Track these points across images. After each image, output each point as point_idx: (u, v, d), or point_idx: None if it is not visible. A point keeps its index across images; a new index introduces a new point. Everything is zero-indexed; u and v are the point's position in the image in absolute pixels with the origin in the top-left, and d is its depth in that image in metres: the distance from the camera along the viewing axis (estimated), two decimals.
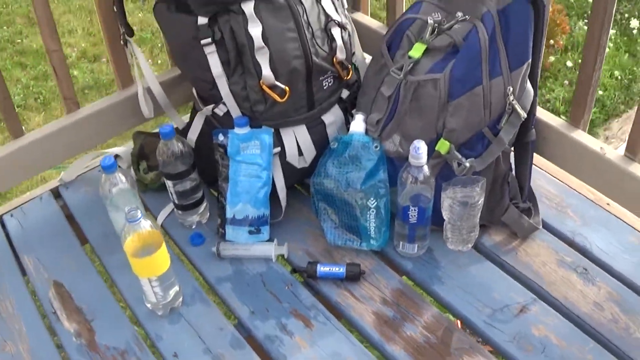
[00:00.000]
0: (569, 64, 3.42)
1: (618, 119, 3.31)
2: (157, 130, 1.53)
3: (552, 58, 3.41)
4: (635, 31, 3.63)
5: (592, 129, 3.32)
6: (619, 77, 3.37)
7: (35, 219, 1.47)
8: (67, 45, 4.04)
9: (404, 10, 1.41)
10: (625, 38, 3.68)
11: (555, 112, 3.18)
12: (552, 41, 3.37)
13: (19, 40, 4.10)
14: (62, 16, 4.31)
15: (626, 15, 3.80)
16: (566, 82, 3.34)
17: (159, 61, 3.76)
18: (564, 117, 3.19)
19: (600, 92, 3.38)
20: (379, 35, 1.62)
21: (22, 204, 1.51)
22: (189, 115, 1.52)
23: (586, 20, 3.72)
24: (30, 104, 3.59)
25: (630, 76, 3.42)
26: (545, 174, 1.49)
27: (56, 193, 1.53)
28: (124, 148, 1.53)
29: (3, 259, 1.39)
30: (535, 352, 1.15)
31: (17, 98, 3.60)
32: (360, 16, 1.71)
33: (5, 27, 4.19)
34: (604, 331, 1.18)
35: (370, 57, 1.45)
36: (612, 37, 3.73)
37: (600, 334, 1.18)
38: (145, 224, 1.11)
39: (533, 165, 1.40)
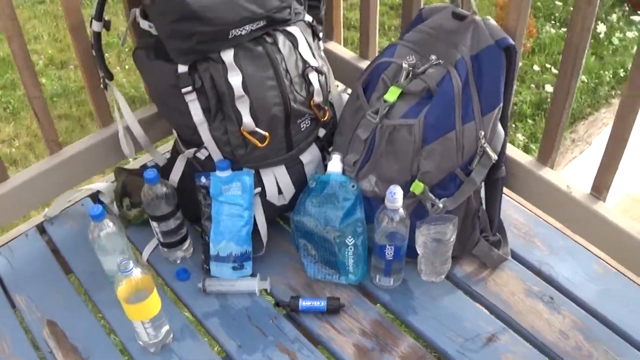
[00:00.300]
0: (536, 67, 3.53)
1: (584, 122, 3.43)
2: (138, 167, 1.60)
3: (520, 63, 3.52)
4: (602, 35, 3.76)
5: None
6: (586, 81, 3.49)
7: (22, 256, 1.52)
8: (34, 52, 4.03)
9: (379, 51, 1.49)
10: (592, 41, 3.81)
11: (522, 114, 3.29)
12: None
13: None
14: (27, 22, 4.29)
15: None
16: (533, 85, 3.45)
17: (127, 66, 3.79)
18: (530, 121, 3.33)
19: None
20: (352, 65, 1.71)
21: (9, 241, 1.56)
22: (167, 148, 1.59)
23: (553, 22, 3.84)
24: (0, 114, 3.58)
25: (596, 80, 3.54)
26: (514, 203, 1.58)
27: (41, 229, 1.58)
28: (106, 184, 1.59)
29: None
30: None
31: None
32: (333, 45, 1.79)
33: None
34: (568, 359, 1.28)
35: (344, 88, 1.53)
36: None
37: None
38: (137, 272, 1.17)
39: (503, 194, 1.50)
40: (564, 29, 3.71)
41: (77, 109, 3.60)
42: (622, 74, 3.62)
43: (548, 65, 3.60)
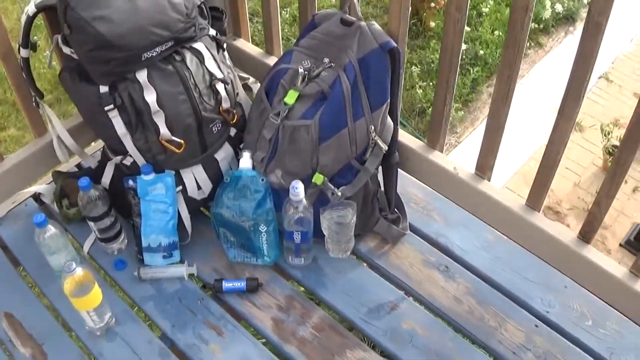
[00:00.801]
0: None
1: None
2: (73, 168, 1.80)
3: (432, 24, 3.75)
4: None
5: (475, 87, 3.72)
6: (500, 35, 3.74)
7: None
8: None
9: (282, 50, 1.69)
10: None
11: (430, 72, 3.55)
12: (432, 3, 3.69)
13: None
14: None
15: None
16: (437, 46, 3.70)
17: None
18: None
19: (482, 51, 3.76)
20: (260, 61, 1.92)
21: None
22: (97, 147, 1.80)
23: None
24: None
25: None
26: (413, 180, 1.82)
27: None
28: (45, 186, 1.79)
29: None
30: (404, 343, 1.50)
31: None
32: (242, 43, 2.00)
33: None
34: (462, 321, 1.53)
35: (254, 80, 1.74)
36: None
37: (458, 323, 1.53)
38: (79, 270, 1.39)
39: (403, 172, 1.74)
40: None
41: (12, 93, 3.70)
42: (536, 27, 3.88)
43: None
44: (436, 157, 1.68)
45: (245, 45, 2.01)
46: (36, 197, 1.82)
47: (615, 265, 1.51)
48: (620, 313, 1.53)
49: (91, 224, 1.62)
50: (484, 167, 1.61)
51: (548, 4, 3.98)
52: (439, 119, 1.64)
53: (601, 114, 3.58)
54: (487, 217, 1.67)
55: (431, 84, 3.68)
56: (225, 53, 1.64)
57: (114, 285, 1.67)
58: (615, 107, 3.62)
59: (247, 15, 1.97)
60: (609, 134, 3.30)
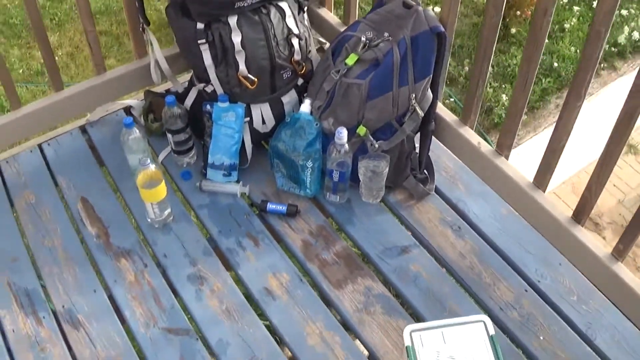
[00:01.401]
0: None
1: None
2: (162, 91, 2.18)
3: (513, 30, 4.02)
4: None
5: (544, 96, 3.97)
6: (577, 51, 3.98)
7: (67, 148, 2.13)
8: None
9: (350, 23, 2.03)
10: (590, 13, 4.26)
11: (514, 76, 3.81)
12: (519, 12, 3.97)
13: None
14: None
15: None
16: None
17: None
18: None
19: (556, 64, 4.00)
20: (336, 29, 2.26)
21: (57, 136, 2.17)
22: (184, 80, 2.17)
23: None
24: (46, 24, 4.17)
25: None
26: (448, 152, 2.13)
27: (83, 130, 2.19)
28: (137, 101, 2.18)
29: (42, 177, 2.06)
30: (408, 282, 1.82)
31: None
32: (324, 12, 2.34)
33: None
34: (462, 273, 1.84)
35: (327, 44, 2.08)
36: (577, 12, 4.31)
37: (458, 275, 1.84)
38: (152, 166, 1.77)
39: (440, 144, 2.06)
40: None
41: (117, 27, 4.17)
42: (612, 49, 4.08)
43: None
44: (465, 131, 1.99)
45: (327, 14, 2.36)
46: (127, 110, 2.22)
47: (600, 246, 1.79)
48: (604, 295, 1.80)
49: (169, 136, 2.00)
50: (503, 145, 1.91)
51: (627, 29, 4.19)
52: (472, 100, 1.95)
53: None
54: (499, 189, 1.97)
55: (503, 86, 3.95)
56: (305, 15, 1.99)
57: (177, 191, 2.05)
58: None
59: None
60: None
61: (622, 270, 1.73)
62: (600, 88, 4.14)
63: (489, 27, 1.77)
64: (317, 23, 2.34)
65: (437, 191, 2.04)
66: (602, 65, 4.13)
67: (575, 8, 4.40)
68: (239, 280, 1.81)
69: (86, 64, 3.88)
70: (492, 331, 1.52)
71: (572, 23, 4.29)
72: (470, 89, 1.94)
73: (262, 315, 1.75)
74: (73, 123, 2.22)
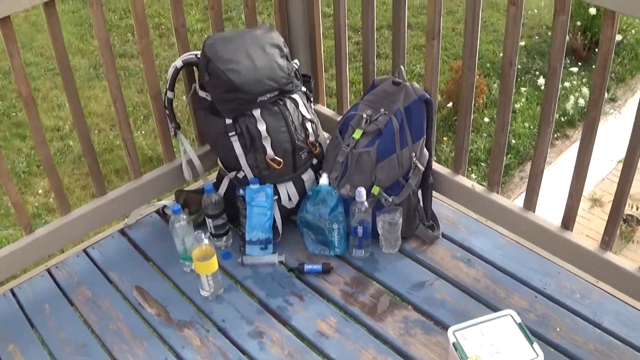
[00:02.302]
0: (487, 119, 4.63)
1: (531, 162, 4.50)
2: (190, 188, 2.61)
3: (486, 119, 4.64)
4: (542, 87, 4.88)
5: (507, 171, 4.54)
6: (530, 127, 4.58)
7: (112, 249, 2.51)
8: (59, 119, 5.08)
9: (349, 108, 2.52)
10: (536, 92, 4.93)
11: (477, 159, 4.37)
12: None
13: (14, 114, 5.13)
14: (50, 92, 5.36)
15: (537, 72, 5.06)
16: (485, 134, 4.54)
17: (143, 131, 4.82)
18: (483, 164, 4.38)
19: (514, 141, 4.59)
20: (332, 119, 2.75)
21: (99, 240, 2.56)
22: (213, 176, 2.61)
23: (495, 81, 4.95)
24: (34, 170, 4.60)
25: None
26: (445, 205, 2.60)
27: (122, 232, 2.58)
28: (169, 201, 2.60)
29: (94, 276, 2.42)
30: (437, 307, 2.22)
31: (22, 165, 4.61)
32: (319, 107, 2.86)
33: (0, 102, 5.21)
34: (480, 293, 2.25)
35: (328, 136, 2.56)
36: (525, 93, 4.98)
37: (477, 295, 2.25)
38: (206, 241, 2.17)
39: (439, 201, 2.52)
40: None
41: (102, 166, 4.61)
42: (562, 119, 4.71)
43: None
44: (459, 178, 2.48)
45: (321, 108, 2.88)
46: (159, 212, 2.62)
47: (590, 242, 2.23)
48: (599, 288, 2.23)
49: (209, 221, 2.41)
50: (493, 182, 2.39)
51: (572, 99, 4.84)
52: (460, 150, 2.44)
53: None
54: (497, 219, 2.43)
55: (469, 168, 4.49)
56: (311, 105, 2.48)
57: (221, 269, 2.43)
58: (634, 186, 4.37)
59: (325, 87, 2.85)
60: None
61: (612, 256, 2.19)
62: (557, 156, 4.72)
63: (466, 87, 2.29)
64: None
65: (444, 236, 2.48)
66: (555, 135, 4.74)
67: (523, 89, 5.05)
68: (293, 330, 2.18)
69: (79, 203, 4.27)
70: (518, 320, 1.94)
71: (522, 103, 4.93)
72: (457, 141, 2.43)
73: (321, 353, 2.11)
74: (112, 228, 2.61)
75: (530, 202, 2.33)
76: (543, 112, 2.17)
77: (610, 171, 4.24)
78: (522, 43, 5.29)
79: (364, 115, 2.36)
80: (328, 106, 2.93)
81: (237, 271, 2.40)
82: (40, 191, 4.33)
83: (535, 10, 6.18)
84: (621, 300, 2.19)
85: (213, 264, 2.22)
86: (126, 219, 2.61)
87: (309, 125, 2.39)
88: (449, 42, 5.42)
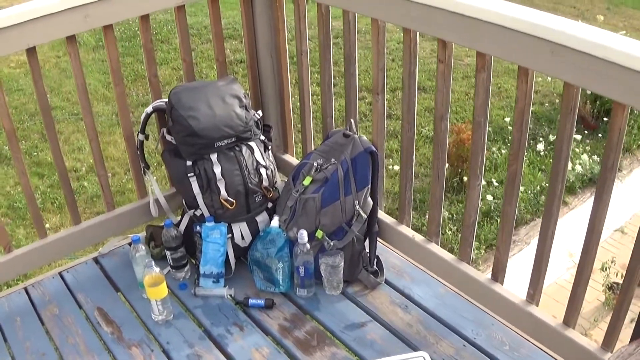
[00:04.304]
0: (483, 182, 4.85)
1: (526, 226, 4.69)
2: (160, 224, 2.91)
3: (465, 178, 4.85)
4: (542, 153, 5.10)
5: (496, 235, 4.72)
6: (523, 190, 4.79)
7: (84, 274, 2.81)
8: (77, 161, 5.48)
9: (305, 156, 2.81)
10: (537, 157, 5.14)
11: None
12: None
13: (35, 153, 5.55)
14: (71, 135, 5.79)
15: (541, 138, 5.29)
16: (489, 196, 4.76)
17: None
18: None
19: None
20: None
21: (74, 265, 2.86)
22: (179, 215, 2.91)
23: (499, 147, 5.17)
24: (48, 207, 4.97)
25: (538, 188, 4.84)
26: (394, 254, 2.83)
27: (96, 260, 2.89)
28: (139, 235, 2.90)
29: (64, 296, 2.71)
30: (366, 347, 2.43)
31: (38, 202, 4.98)
32: (288, 157, 3.16)
33: (22, 142, 5.64)
34: (410, 338, 2.45)
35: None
36: (527, 160, 5.19)
37: (407, 339, 2.46)
38: (156, 270, 2.45)
39: (389, 249, 2.76)
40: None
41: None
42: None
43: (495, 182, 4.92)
44: (402, 228, 2.72)
45: (290, 158, 3.17)
46: (130, 243, 2.92)
47: (516, 296, 2.42)
48: (530, 342, 2.40)
49: (168, 253, 2.70)
50: (431, 233, 2.62)
51: (570, 165, 5.04)
52: (404, 202, 2.68)
53: (610, 260, 4.48)
54: (432, 268, 2.65)
55: (458, 234, 4.70)
56: (270, 152, 2.78)
57: (176, 298, 2.70)
58: (626, 255, 4.51)
59: (294, 139, 3.15)
60: (607, 269, 4.20)
61: (535, 310, 2.37)
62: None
63: (406, 139, 2.55)
64: (283, 166, 3.14)
65: (388, 282, 2.71)
66: None
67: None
68: (228, 356, 2.43)
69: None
70: None
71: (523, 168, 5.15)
72: (401, 192, 2.68)
73: None
74: (87, 256, 2.92)
75: (464, 254, 2.55)
76: (471, 165, 2.40)
77: (604, 239, 4.41)
78: (533, 109, 5.51)
79: (315, 164, 2.64)
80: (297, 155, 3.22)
81: (189, 301, 2.66)
82: (47, 225, 4.68)
83: (549, 79, 6.41)
84: (550, 355, 2.36)
85: (162, 290, 2.49)
86: (100, 249, 2.92)
87: (263, 171, 2.68)
88: (461, 106, 5.69)
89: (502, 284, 2.48)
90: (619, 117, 1.88)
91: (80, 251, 2.99)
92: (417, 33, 2.36)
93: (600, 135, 5.60)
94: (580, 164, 5.16)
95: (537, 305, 2.39)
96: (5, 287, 2.91)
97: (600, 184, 2.03)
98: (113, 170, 5.33)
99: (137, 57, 7.00)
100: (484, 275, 2.54)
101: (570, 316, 2.29)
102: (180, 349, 2.45)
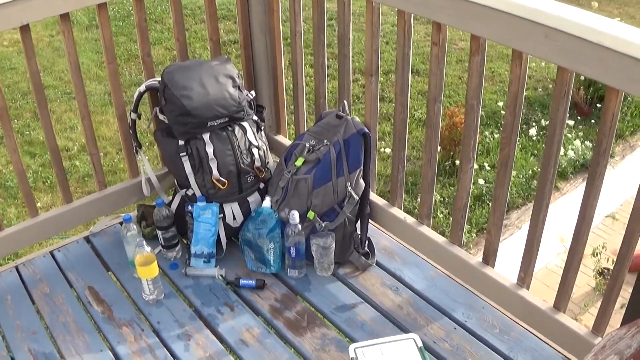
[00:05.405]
0: (475, 165, 4.84)
1: (517, 211, 4.70)
2: (152, 203, 2.89)
3: (457, 162, 4.85)
4: (534, 138, 5.10)
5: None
6: (519, 176, 4.79)
7: (75, 253, 2.80)
8: (69, 140, 5.45)
9: (297, 137, 2.79)
10: (529, 142, 5.15)
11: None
12: None
13: (27, 132, 5.51)
14: (64, 114, 5.76)
15: (534, 123, 5.28)
16: (481, 180, 4.76)
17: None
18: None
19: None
20: None
21: (65, 244, 2.85)
22: (171, 195, 2.89)
23: (492, 131, 5.16)
24: (40, 186, 4.94)
25: (530, 172, 4.84)
26: (386, 235, 2.83)
27: (87, 239, 2.87)
28: (130, 214, 2.89)
29: (55, 275, 2.70)
30: (356, 328, 2.43)
31: (29, 181, 4.95)
32: (280, 137, 3.15)
33: (15, 120, 5.60)
34: (400, 319, 2.46)
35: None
36: (519, 144, 5.19)
37: (397, 320, 2.46)
38: (147, 249, 2.44)
39: (381, 231, 2.76)
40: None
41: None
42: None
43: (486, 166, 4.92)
44: (394, 210, 2.72)
45: (282, 139, 3.16)
46: (122, 223, 2.91)
47: (507, 279, 2.42)
48: (520, 325, 2.41)
49: (159, 233, 2.69)
50: (423, 215, 2.62)
51: (562, 150, 5.05)
52: (395, 184, 2.68)
53: (600, 246, 4.49)
54: (424, 250, 2.65)
55: (450, 217, 4.70)
56: (262, 133, 2.76)
57: (167, 277, 2.69)
58: (617, 241, 4.51)
59: (287, 120, 3.14)
60: (598, 254, 4.21)
61: (526, 293, 2.38)
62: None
63: (399, 121, 2.55)
64: (276, 147, 3.13)
65: (379, 264, 2.71)
66: None
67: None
68: (219, 336, 2.43)
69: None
70: (420, 344, 2.16)
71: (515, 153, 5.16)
72: (393, 175, 2.68)
73: (238, 358, 2.35)
74: (78, 235, 2.91)
75: (456, 237, 2.55)
76: (463, 149, 2.40)
77: (596, 224, 4.41)
78: (526, 94, 5.50)
79: (307, 145, 2.63)
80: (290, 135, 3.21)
81: (180, 280, 2.66)
82: (38, 204, 4.66)
83: (543, 64, 6.40)
84: (540, 339, 2.37)
85: (153, 269, 2.48)
86: (92, 228, 2.91)
87: (255, 151, 2.67)
88: (454, 90, 5.68)
89: (493, 267, 2.49)
90: (612, 103, 1.88)
91: (71, 230, 2.97)
92: (412, 15, 2.35)
93: (593, 121, 5.60)
94: (572, 149, 5.16)
95: (528, 289, 2.40)
96: None
97: (592, 169, 2.03)
98: (105, 150, 5.31)
99: (130, 37, 6.94)
100: (475, 258, 2.54)
101: (561, 300, 2.30)
102: (171, 328, 2.45)
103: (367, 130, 2.57)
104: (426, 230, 2.64)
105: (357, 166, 2.59)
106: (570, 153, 5.11)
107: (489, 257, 2.47)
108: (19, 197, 4.76)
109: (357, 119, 2.60)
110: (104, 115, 5.72)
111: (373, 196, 2.76)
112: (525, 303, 2.38)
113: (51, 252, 2.83)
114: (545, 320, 2.32)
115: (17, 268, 2.76)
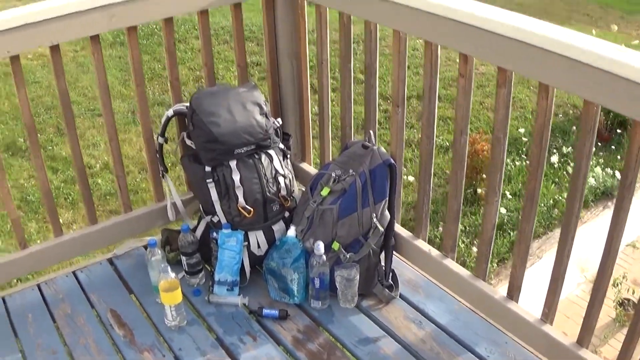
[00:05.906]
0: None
1: (538, 240, 4.65)
2: (176, 228, 2.88)
3: (479, 190, 4.82)
4: (556, 165, 5.06)
5: (513, 248, 4.68)
6: (540, 204, 4.74)
7: (98, 275, 2.79)
8: (92, 157, 5.45)
9: (323, 166, 2.77)
10: (551, 170, 5.11)
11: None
12: (484, 175, 4.77)
13: (50, 147, 5.52)
14: (87, 131, 5.77)
15: (555, 150, 5.24)
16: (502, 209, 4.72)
17: None
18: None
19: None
20: None
21: (88, 265, 2.84)
22: (195, 220, 2.88)
23: (513, 158, 5.13)
24: (61, 202, 4.95)
25: (551, 201, 4.80)
26: (410, 268, 2.80)
27: (110, 261, 2.86)
28: (155, 238, 2.87)
29: (77, 295, 2.69)
30: None
31: None
32: (305, 165, 3.13)
33: (38, 135, 5.59)
34: (423, 354, 2.41)
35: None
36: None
37: (420, 355, 2.42)
38: (172, 275, 2.42)
39: (405, 263, 2.73)
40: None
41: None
42: None
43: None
44: (419, 242, 2.68)
45: (307, 167, 3.15)
46: (146, 247, 2.90)
47: (531, 314, 2.38)
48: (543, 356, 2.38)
49: (183, 259, 2.67)
50: (447, 248, 2.59)
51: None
52: (420, 216, 2.65)
53: (621, 276, 4.44)
54: (448, 284, 2.62)
55: (475, 241, 4.65)
56: (289, 161, 2.75)
57: (189, 304, 2.67)
58: (637, 270, 4.46)
59: (312, 148, 3.12)
60: (618, 284, 4.15)
61: (550, 329, 2.34)
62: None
63: (425, 153, 2.53)
64: (301, 175, 3.11)
65: (402, 297, 2.67)
66: None
67: None
68: None
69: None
70: None
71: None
72: (418, 207, 2.65)
73: None
74: (102, 256, 2.90)
75: (480, 270, 2.52)
76: (489, 181, 2.36)
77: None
78: None
79: (333, 175, 2.60)
80: (315, 164, 3.19)
81: (202, 307, 2.64)
82: (60, 221, 4.66)
83: None
84: None
85: (177, 295, 2.46)
86: (115, 250, 2.89)
87: (281, 179, 2.65)
88: (475, 115, 5.65)
89: (517, 302, 2.45)
90: (638, 136, 1.86)
91: (95, 251, 2.96)
92: (439, 46, 2.33)
93: (613, 147, 5.55)
94: (593, 176, 5.11)
95: (552, 324, 2.36)
96: (19, 283, 2.88)
97: (617, 204, 2.00)
98: (127, 169, 5.31)
99: (154, 56, 6.97)
100: (499, 292, 2.50)
101: (584, 336, 2.26)
102: (193, 355, 2.42)
103: (392, 161, 2.55)
104: (450, 264, 2.61)
105: (383, 197, 2.56)
106: (591, 180, 5.06)
107: (514, 292, 2.44)
108: (40, 212, 4.77)
109: (383, 149, 2.58)
110: (127, 133, 5.73)
111: (398, 228, 2.73)
112: (549, 339, 2.33)
113: (74, 272, 2.82)
114: (569, 356, 2.28)
115: (39, 286, 2.75)
